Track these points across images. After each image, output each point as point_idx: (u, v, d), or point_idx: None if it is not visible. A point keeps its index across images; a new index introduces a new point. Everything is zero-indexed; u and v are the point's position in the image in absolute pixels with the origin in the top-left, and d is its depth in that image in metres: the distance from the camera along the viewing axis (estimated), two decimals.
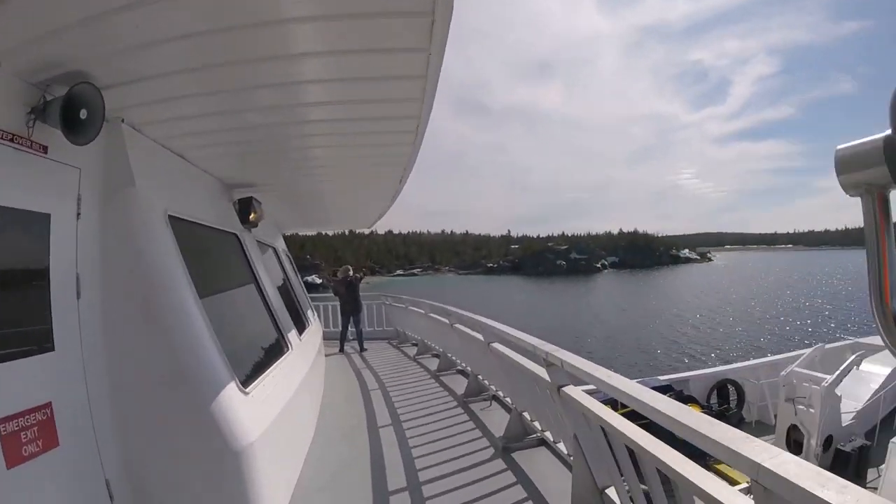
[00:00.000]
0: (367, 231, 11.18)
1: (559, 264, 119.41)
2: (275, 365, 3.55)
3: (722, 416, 5.94)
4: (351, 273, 9.35)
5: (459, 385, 5.71)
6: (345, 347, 9.07)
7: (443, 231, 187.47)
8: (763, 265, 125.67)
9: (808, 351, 6.55)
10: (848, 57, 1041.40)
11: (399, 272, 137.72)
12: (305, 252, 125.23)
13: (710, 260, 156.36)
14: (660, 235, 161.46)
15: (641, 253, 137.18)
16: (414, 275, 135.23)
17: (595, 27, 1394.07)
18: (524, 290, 72.29)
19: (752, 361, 7.71)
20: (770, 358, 7.69)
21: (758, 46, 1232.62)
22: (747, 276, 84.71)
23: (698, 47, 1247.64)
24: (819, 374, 5.53)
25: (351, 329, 9.22)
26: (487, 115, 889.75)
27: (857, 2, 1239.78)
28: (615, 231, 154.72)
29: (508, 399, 4.60)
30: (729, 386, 6.84)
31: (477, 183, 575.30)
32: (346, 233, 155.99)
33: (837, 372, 5.47)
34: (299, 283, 7.75)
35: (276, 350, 3.98)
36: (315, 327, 6.82)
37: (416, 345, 8.61)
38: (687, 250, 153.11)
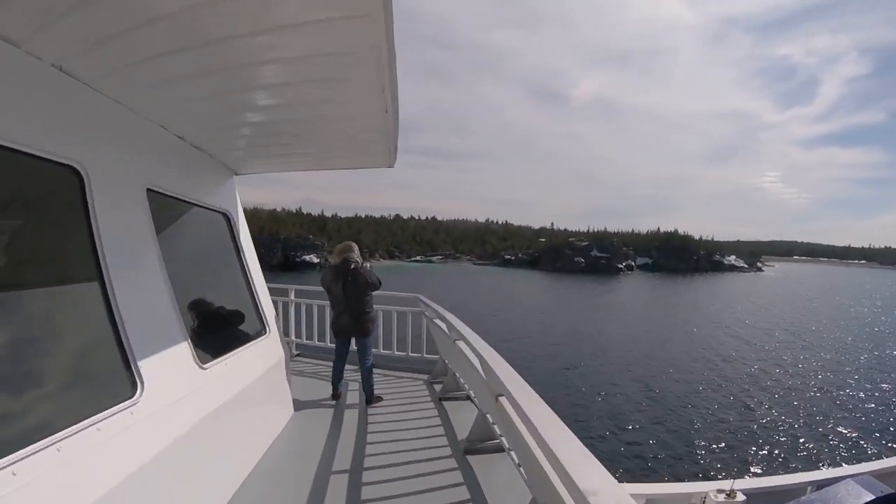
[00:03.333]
0: (390, 168, 4.29)
1: (577, 261, 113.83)
2: None
3: None
4: (355, 256, 5.00)
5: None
6: (341, 391, 5.13)
7: (487, 220, 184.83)
8: (825, 280, 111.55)
9: None
10: None
11: (417, 258, 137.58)
12: (326, 234, 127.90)
13: (759, 269, 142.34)
14: (728, 241, 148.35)
15: (676, 255, 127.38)
16: (431, 262, 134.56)
17: (677, 16, 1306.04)
18: (529, 287, 68.77)
19: None
20: None
21: (849, 44, 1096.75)
22: (798, 292, 72.15)
23: (785, 42, 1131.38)
24: None
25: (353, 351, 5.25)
26: (562, 103, 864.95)
27: None
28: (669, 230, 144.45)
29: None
30: None
31: (546, 173, 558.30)
32: (393, 216, 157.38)
33: None
34: (231, 272, 4.16)
35: None
36: (234, 367, 3.45)
37: (471, 400, 4.79)
38: (734, 256, 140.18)
